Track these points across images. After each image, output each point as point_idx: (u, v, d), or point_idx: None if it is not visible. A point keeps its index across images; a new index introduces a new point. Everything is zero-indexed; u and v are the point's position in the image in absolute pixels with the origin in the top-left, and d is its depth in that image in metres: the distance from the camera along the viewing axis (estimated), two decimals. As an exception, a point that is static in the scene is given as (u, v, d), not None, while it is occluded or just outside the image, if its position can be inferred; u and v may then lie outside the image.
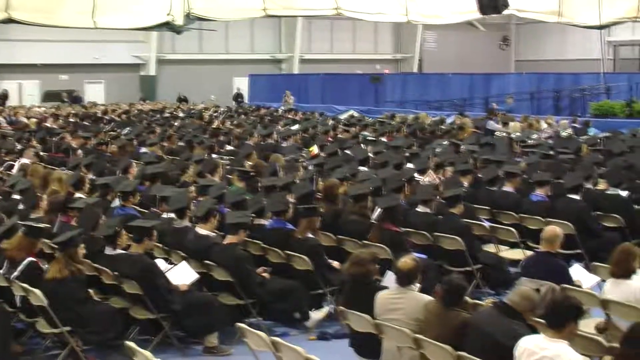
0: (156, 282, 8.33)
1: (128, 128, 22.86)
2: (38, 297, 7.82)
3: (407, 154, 15.63)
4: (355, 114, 29.81)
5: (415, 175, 13.12)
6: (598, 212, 11.33)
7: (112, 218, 9.77)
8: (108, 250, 8.81)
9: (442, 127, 22.59)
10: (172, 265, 9.08)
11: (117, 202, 11.12)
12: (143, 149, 17.77)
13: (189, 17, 24.56)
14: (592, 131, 21.60)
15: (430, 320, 6.82)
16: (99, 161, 15.10)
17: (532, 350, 5.85)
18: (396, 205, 10.13)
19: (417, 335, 6.63)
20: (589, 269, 9.01)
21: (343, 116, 29.11)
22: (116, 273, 8.51)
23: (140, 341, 8.03)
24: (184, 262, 8.99)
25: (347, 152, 16.36)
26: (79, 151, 17.16)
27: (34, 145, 18.44)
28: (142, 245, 8.65)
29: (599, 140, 17.98)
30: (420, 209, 10.68)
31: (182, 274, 8.76)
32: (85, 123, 25.85)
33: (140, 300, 8.33)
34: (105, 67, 40.47)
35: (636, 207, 11.68)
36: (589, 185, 11.98)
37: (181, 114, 30.01)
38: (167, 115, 29.68)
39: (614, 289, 7.54)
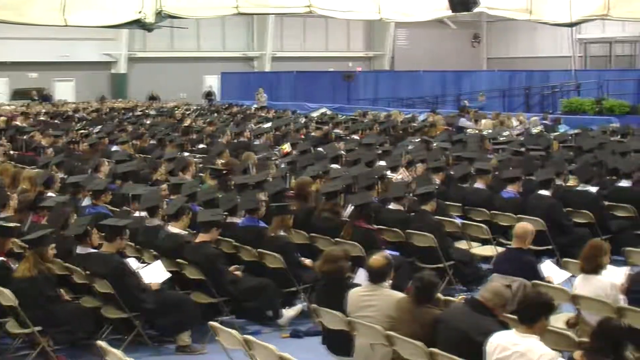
0: (128, 281, 8.29)
1: (99, 127, 22.73)
2: (8, 296, 7.76)
3: (379, 152, 15.65)
4: (328, 112, 29.85)
5: (387, 172, 13.14)
6: (568, 209, 11.41)
7: (82, 217, 9.70)
8: (79, 250, 8.75)
9: (414, 124, 22.66)
10: (145, 264, 9.04)
11: (87, 201, 11.06)
12: (114, 147, 17.69)
13: (160, 15, 24.45)
14: (562, 128, 21.77)
15: (402, 317, 6.83)
16: (69, 160, 15.00)
17: (503, 346, 5.88)
18: (368, 202, 10.15)
19: (390, 332, 6.64)
20: (559, 265, 9.09)
21: (315, 114, 29.13)
22: (87, 272, 8.46)
23: (112, 340, 7.99)
24: (158, 262, 8.95)
25: (319, 149, 16.37)
26: (49, 150, 17.04)
27: (4, 143, 18.30)
28: (113, 244, 8.60)
29: (569, 137, 18.12)
30: (392, 206, 10.70)
31: (154, 273, 8.72)
32: (55, 121, 25.65)
33: (112, 300, 8.28)
34: (75, 65, 40.14)
35: (606, 203, 11.78)
36: (559, 182, 12.06)
37: (152, 112, 29.87)
38: (138, 113, 29.53)
39: (584, 285, 7.59)
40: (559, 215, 11.01)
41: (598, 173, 12.84)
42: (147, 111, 30.73)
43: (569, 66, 33.85)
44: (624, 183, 12.13)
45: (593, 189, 11.95)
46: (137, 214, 10.30)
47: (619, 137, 17.94)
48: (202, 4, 26.74)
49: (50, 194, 11.47)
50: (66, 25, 24.54)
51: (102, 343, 6.38)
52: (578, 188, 11.96)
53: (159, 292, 8.53)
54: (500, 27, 46.36)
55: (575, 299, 7.54)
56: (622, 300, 7.39)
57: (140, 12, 23.74)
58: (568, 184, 12.46)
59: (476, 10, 29.70)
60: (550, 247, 10.67)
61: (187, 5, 25.82)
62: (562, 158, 14.33)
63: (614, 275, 7.67)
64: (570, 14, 28.74)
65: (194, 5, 26.30)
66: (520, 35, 45.59)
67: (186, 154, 16.50)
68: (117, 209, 10.99)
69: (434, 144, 16.66)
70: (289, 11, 32.12)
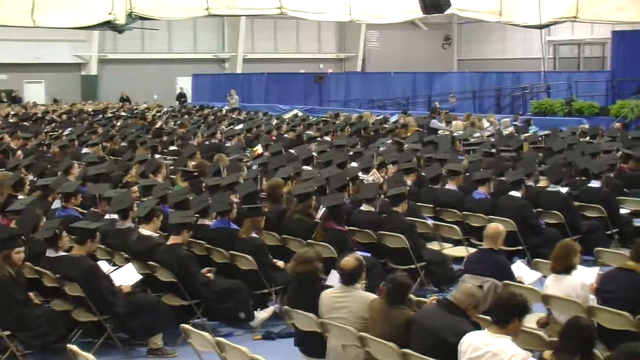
0: (99, 284, 8.23)
1: (70, 129, 22.58)
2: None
3: (351, 153, 15.68)
4: (299, 114, 29.85)
5: (359, 174, 13.15)
6: (539, 209, 11.48)
7: (53, 220, 9.63)
8: (49, 253, 8.68)
9: (386, 126, 22.71)
10: (116, 267, 8.99)
11: (58, 204, 10.98)
12: (85, 150, 17.58)
13: (131, 16, 24.38)
14: (533, 129, 21.89)
15: (375, 318, 6.84)
16: (39, 162, 14.89)
17: (476, 346, 5.91)
18: (340, 204, 10.15)
19: (362, 334, 6.65)
20: (530, 265, 9.14)
21: (287, 115, 29.13)
22: (58, 275, 8.40)
23: (83, 344, 7.94)
24: (129, 264, 8.91)
25: (291, 151, 16.36)
26: (19, 152, 16.90)
27: (-27, 146, 18.12)
28: (84, 247, 8.54)
29: (539, 138, 18.23)
30: (364, 207, 10.71)
31: (125, 276, 8.68)
32: (25, 124, 25.46)
33: (83, 303, 8.22)
34: (45, 67, 39.84)
35: (576, 203, 11.87)
36: (530, 183, 12.14)
37: (124, 114, 29.73)
38: (109, 115, 29.38)
39: (554, 285, 7.64)
40: (529, 216, 11.07)
41: (568, 174, 12.93)
42: (118, 113, 30.58)
43: (540, 68, 34.11)
44: (594, 184, 12.22)
45: (563, 190, 12.04)
46: (108, 216, 10.24)
47: (588, 138, 18.07)
48: (172, 5, 26.68)
49: (19, 196, 11.38)
50: (35, 27, 24.39)
51: (72, 346, 6.33)
52: (548, 189, 12.04)
53: (130, 294, 8.48)
54: (471, 28, 46.60)
55: (546, 299, 7.59)
56: (592, 300, 7.45)
57: (110, 14, 23.65)
58: (539, 185, 12.54)
59: (447, 12, 29.86)
60: (521, 247, 10.74)
61: (158, 7, 25.75)
62: (532, 159, 14.42)
63: (585, 276, 7.72)
64: (539, 16, 28.96)
65: (165, 7, 26.24)
66: (491, 37, 45.86)
67: (157, 156, 16.44)
68: (87, 212, 10.92)
69: (406, 146, 16.70)
70: (260, 13, 32.11)
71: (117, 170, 13.85)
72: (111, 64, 42.11)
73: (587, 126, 21.88)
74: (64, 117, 28.56)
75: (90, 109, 32.75)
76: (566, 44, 43.10)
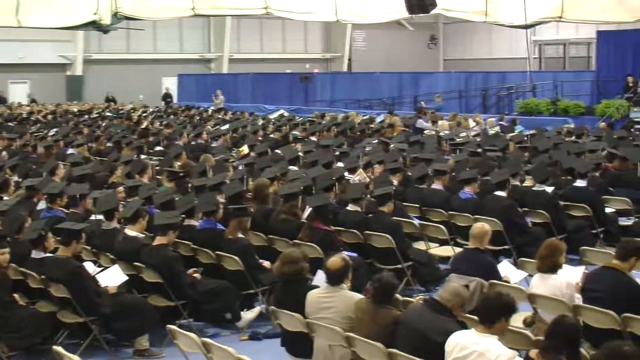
0: (84, 285, 8.20)
1: (55, 129, 22.50)
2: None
3: (337, 153, 15.68)
4: (286, 114, 29.84)
5: (345, 174, 13.16)
6: (525, 209, 11.51)
7: (38, 221, 9.59)
8: (35, 254, 8.64)
9: (372, 126, 22.73)
10: (102, 268, 8.96)
11: (43, 205, 10.94)
12: (70, 150, 17.52)
13: (117, 16, 24.30)
14: (518, 129, 21.95)
15: (361, 318, 6.84)
16: (24, 163, 14.83)
17: (463, 345, 5.92)
18: (326, 204, 10.15)
19: (349, 334, 6.65)
20: (516, 265, 9.15)
21: (273, 116, 29.11)
22: (43, 277, 8.36)
23: (69, 345, 7.91)
24: (115, 265, 8.88)
25: (277, 151, 16.35)
26: (4, 153, 16.83)
27: (-43, 147, 18.03)
28: (69, 248, 8.50)
29: (525, 138, 18.28)
30: (350, 207, 10.71)
31: (111, 277, 8.65)
32: (9, 124, 25.36)
33: (69, 304, 8.19)
34: (30, 67, 39.67)
35: (561, 202, 11.90)
36: (515, 182, 12.17)
37: (109, 115, 29.64)
38: (94, 115, 29.29)
39: (540, 284, 7.66)
40: (515, 215, 11.10)
41: (553, 173, 12.97)
42: (103, 113, 30.49)
43: (525, 67, 34.21)
44: (580, 183, 12.26)
45: (549, 189, 12.07)
46: (93, 217, 10.21)
47: (574, 137, 18.14)
48: (158, 6, 26.61)
49: (4, 197, 11.33)
50: (20, 27, 24.29)
51: (58, 348, 6.31)
52: (534, 188, 12.07)
53: (116, 295, 8.46)
54: (456, 28, 46.69)
55: (531, 298, 7.61)
56: (578, 299, 7.48)
57: (96, 14, 23.56)
58: (524, 184, 12.57)
59: (433, 11, 29.89)
60: (507, 247, 10.76)
61: (143, 7, 25.68)
62: (518, 159, 14.46)
63: (570, 275, 7.75)
64: (525, 16, 29.05)
65: (150, 7, 26.17)
66: (477, 37, 45.95)
67: (143, 156, 16.40)
68: (74, 212, 10.88)
69: (392, 145, 16.72)
70: (246, 13, 32.08)
71: (102, 170, 13.81)
72: (96, 64, 41.97)
73: (572, 126, 21.97)
74: (49, 117, 28.46)
75: (75, 110, 32.64)
76: (551, 43, 43.24)
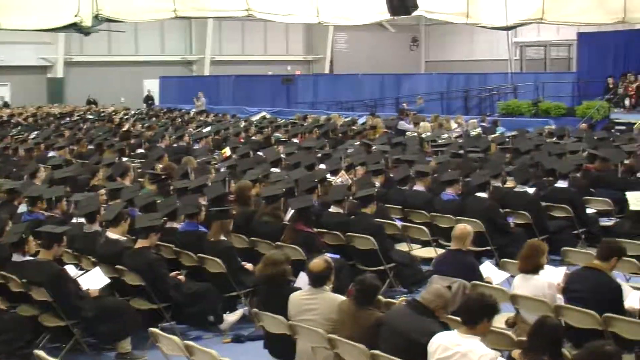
0: (66, 288, 8.15)
1: (36, 132, 22.40)
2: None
3: (319, 155, 15.68)
4: (268, 116, 29.81)
5: (328, 176, 13.16)
6: (506, 209, 11.55)
7: (19, 224, 9.53)
8: (15, 257, 8.58)
9: (354, 127, 22.73)
10: (83, 271, 8.91)
11: (24, 208, 10.88)
12: (51, 153, 17.44)
13: (97, 19, 24.20)
14: (500, 130, 22.03)
15: (344, 320, 6.84)
16: (5, 165, 14.75)
17: (445, 346, 5.93)
18: (309, 206, 10.15)
19: (331, 335, 6.64)
20: (498, 266, 9.18)
21: (255, 118, 29.07)
22: (24, 280, 8.31)
23: (51, 349, 7.88)
24: (97, 268, 8.84)
25: (259, 153, 16.34)
26: (-16, 156, 16.75)
27: (-63, 150, 17.93)
28: (51, 252, 8.45)
29: (507, 139, 18.34)
30: (332, 209, 10.71)
31: (93, 280, 8.61)
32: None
33: (50, 308, 8.15)
34: (10, 69, 39.48)
35: (543, 203, 11.95)
36: (497, 183, 12.21)
37: (90, 117, 29.53)
38: (76, 118, 29.17)
39: (522, 284, 7.69)
40: (497, 216, 11.14)
41: (535, 174, 13.02)
42: (85, 116, 30.37)
43: (506, 69, 34.34)
44: (561, 184, 12.32)
45: (530, 190, 12.12)
46: (75, 220, 10.16)
47: (555, 138, 18.21)
48: (139, 8, 26.54)
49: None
50: (0, 29, 24.16)
51: (40, 352, 6.28)
52: (516, 189, 12.11)
53: (98, 299, 8.42)
54: (438, 30, 46.81)
55: (514, 299, 7.63)
56: (560, 300, 7.51)
57: (77, 16, 23.46)
58: (506, 185, 12.61)
59: (415, 13, 29.96)
60: (489, 247, 10.79)
61: (125, 9, 25.60)
62: (500, 160, 14.51)
63: (552, 275, 7.78)
64: (506, 18, 29.17)
65: (132, 9, 26.09)
66: (458, 39, 46.08)
67: (125, 159, 16.34)
68: (55, 215, 10.83)
69: (374, 147, 16.74)
70: (228, 15, 32.04)
71: (84, 173, 13.75)
72: (77, 67, 41.80)
73: (553, 127, 22.05)
74: (30, 120, 28.32)
75: (56, 112, 32.49)
76: (532, 45, 43.42)
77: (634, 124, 22.06)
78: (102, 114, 31.06)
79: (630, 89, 27.63)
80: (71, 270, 8.74)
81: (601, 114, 25.31)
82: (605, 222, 11.98)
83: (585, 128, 21.20)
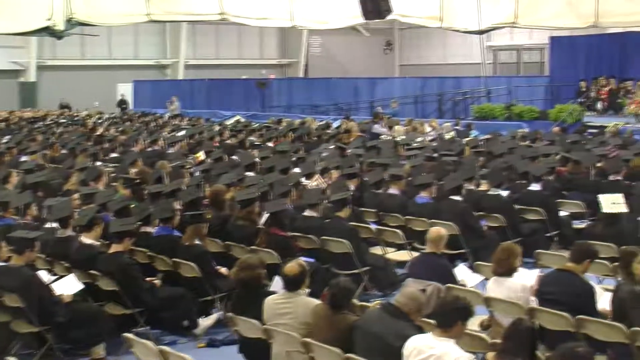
0: (38, 294, 8.09)
1: (8, 136, 22.22)
2: None
3: (293, 159, 15.68)
4: (242, 120, 29.77)
5: (302, 179, 13.17)
6: (480, 212, 11.60)
7: (-9, 229, 9.45)
8: (-13, 263, 8.52)
9: (328, 131, 22.75)
10: (57, 277, 8.85)
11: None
12: (23, 158, 17.31)
13: (70, 22, 24.07)
14: (473, 133, 22.12)
15: (319, 323, 6.84)
16: (-24, 171, 14.62)
17: (420, 349, 5.94)
18: (283, 209, 10.14)
19: (306, 339, 6.64)
20: (472, 268, 9.22)
21: (229, 122, 29.01)
22: (-4, 286, 8.25)
23: (23, 356, 7.82)
24: (71, 274, 8.78)
25: (234, 157, 16.30)
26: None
27: None
28: (23, 257, 8.38)
29: (480, 142, 18.43)
30: (307, 213, 10.71)
31: (66, 285, 8.55)
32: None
33: (23, 314, 8.08)
34: (-18, 74, 39.22)
35: (516, 206, 12.01)
36: (471, 186, 12.25)
37: (64, 121, 29.34)
38: (49, 122, 28.98)
39: (496, 287, 7.72)
40: (470, 220, 11.18)
41: (508, 177, 13.09)
42: (58, 120, 30.16)
43: (480, 73, 34.50)
44: (534, 187, 12.39)
45: (504, 193, 12.19)
46: (48, 224, 10.10)
47: (528, 142, 18.32)
48: (113, 12, 26.41)
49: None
50: (-29, 33, 23.98)
51: (12, 359, 6.22)
52: (489, 192, 12.17)
53: (71, 304, 8.36)
54: (412, 34, 46.94)
55: (488, 301, 7.66)
56: (533, 302, 7.55)
57: (49, 20, 23.32)
58: (480, 189, 12.66)
59: (388, 17, 30.04)
60: (463, 250, 10.83)
61: (98, 13, 25.47)
62: (473, 163, 14.57)
63: (525, 278, 7.82)
64: (479, 22, 29.33)
65: (105, 13, 25.97)
66: (432, 43, 46.23)
67: (98, 163, 16.26)
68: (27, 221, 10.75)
69: (348, 151, 16.76)
70: (202, 18, 31.95)
71: (57, 178, 13.65)
72: (50, 71, 41.52)
73: (526, 130, 22.19)
74: (2, 124, 28.10)
75: (29, 116, 32.26)
76: (505, 49, 43.64)
77: (606, 127, 22.21)
78: (75, 118, 30.87)
79: (602, 92, 27.86)
80: (44, 275, 8.67)
81: (573, 118, 25.48)
82: (578, 224, 12.07)
83: (557, 131, 21.33)
